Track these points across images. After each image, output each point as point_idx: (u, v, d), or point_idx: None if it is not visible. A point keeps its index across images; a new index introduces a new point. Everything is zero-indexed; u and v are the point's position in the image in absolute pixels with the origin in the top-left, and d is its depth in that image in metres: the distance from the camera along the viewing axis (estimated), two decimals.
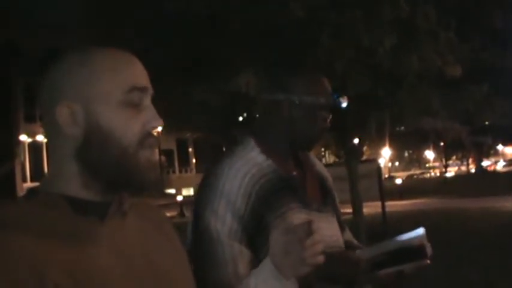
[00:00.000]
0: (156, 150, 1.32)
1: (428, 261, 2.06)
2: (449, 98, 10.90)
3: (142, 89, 1.29)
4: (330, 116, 2.20)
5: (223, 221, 1.94)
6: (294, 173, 2.17)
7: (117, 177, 1.27)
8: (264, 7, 8.08)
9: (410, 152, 72.90)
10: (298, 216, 2.03)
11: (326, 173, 2.39)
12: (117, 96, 1.26)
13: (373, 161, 17.23)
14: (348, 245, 2.30)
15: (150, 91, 1.32)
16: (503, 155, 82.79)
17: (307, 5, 7.82)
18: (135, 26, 9.82)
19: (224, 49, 9.17)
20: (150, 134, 1.29)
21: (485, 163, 68.48)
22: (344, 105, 2.22)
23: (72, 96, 1.26)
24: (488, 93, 11.34)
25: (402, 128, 20.98)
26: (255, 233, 1.96)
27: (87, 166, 1.27)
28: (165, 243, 1.43)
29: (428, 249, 2.07)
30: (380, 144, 44.73)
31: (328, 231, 2.19)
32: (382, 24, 8.17)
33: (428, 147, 62.52)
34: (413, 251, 2.04)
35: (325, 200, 2.28)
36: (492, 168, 66.57)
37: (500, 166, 69.75)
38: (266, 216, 1.99)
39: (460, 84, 10.39)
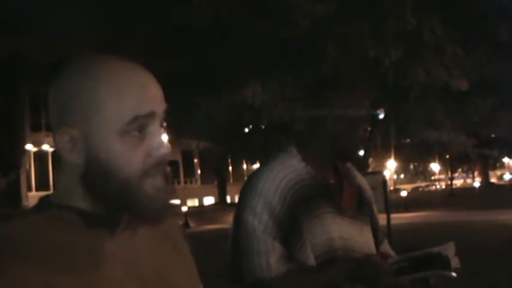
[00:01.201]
0: (162, 179, 1.25)
1: (454, 274, 2.08)
2: (455, 111, 10.89)
3: (148, 116, 1.20)
4: (369, 128, 2.28)
5: (260, 218, 2.10)
6: (332, 181, 2.26)
7: (120, 206, 1.22)
8: (271, 20, 8.08)
9: (416, 164, 72.65)
10: (332, 220, 2.17)
11: (366, 185, 2.46)
12: (118, 126, 1.18)
13: (379, 173, 17.20)
14: (383, 255, 2.34)
15: (159, 114, 1.23)
16: (509, 167, 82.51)
17: (313, 17, 7.81)
18: (143, 36, 9.84)
19: (231, 61, 9.18)
20: (155, 163, 1.23)
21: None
22: (381, 116, 2.30)
23: (72, 122, 1.19)
24: (494, 106, 11.32)
25: (408, 140, 20.97)
26: (289, 232, 2.11)
27: (90, 192, 1.22)
28: (177, 258, 1.41)
29: (454, 261, 2.09)
30: (385, 157, 44.72)
31: (360, 238, 2.28)
32: (389, 36, 8.17)
33: (433, 160, 62.36)
34: (433, 258, 2.07)
35: (360, 209, 2.35)
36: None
37: (507, 179, 69.55)
38: (300, 217, 2.12)
39: (465, 97, 10.39)
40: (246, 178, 2.33)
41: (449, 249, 2.11)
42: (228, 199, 48.12)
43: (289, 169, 2.19)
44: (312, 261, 2.13)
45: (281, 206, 2.11)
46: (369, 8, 8.16)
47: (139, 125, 1.19)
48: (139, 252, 1.28)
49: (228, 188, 48.89)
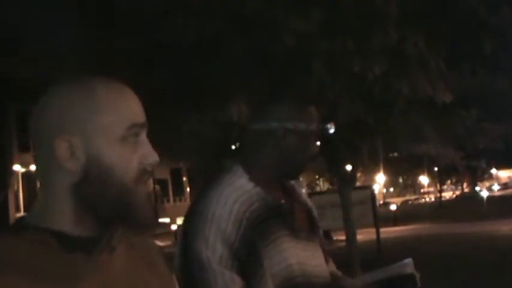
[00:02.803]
0: (150, 186, 1.32)
1: None
2: (441, 124, 10.95)
3: (141, 125, 1.28)
4: (318, 143, 2.23)
5: (214, 249, 1.93)
6: (283, 201, 2.17)
7: (114, 213, 1.25)
8: (255, 36, 8.11)
9: (405, 177, 72.90)
10: (288, 245, 2.06)
11: (310, 202, 2.39)
12: (119, 132, 1.24)
13: (368, 187, 17.25)
14: (333, 276, 2.29)
15: (146, 126, 1.31)
16: (497, 178, 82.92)
17: (298, 33, 7.85)
18: (127, 54, 9.84)
19: (215, 78, 9.20)
20: (146, 170, 1.28)
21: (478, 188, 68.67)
22: (332, 131, 2.25)
23: (72, 129, 1.23)
24: (480, 117, 11.40)
25: (396, 154, 21.05)
26: (246, 260, 1.96)
27: (83, 201, 1.24)
28: (154, 279, 1.41)
29: (418, 278, 2.09)
30: (374, 171, 44.84)
31: (315, 261, 2.20)
32: (372, 51, 8.22)
33: (422, 173, 62.59)
34: (405, 279, 2.05)
35: (312, 229, 2.28)
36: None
37: (495, 189, 69.91)
38: (257, 243, 1.98)
39: (451, 110, 10.45)
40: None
41: (410, 266, 2.11)
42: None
43: (239, 191, 2.06)
44: None
45: (236, 232, 1.96)
46: (352, 24, 8.19)
47: (135, 132, 1.27)
48: (116, 275, 1.28)
49: None
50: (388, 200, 66.68)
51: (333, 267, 2.40)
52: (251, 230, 1.98)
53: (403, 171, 57.30)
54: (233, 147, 14.63)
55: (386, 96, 9.00)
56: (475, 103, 11.20)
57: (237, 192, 2.05)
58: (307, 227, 2.24)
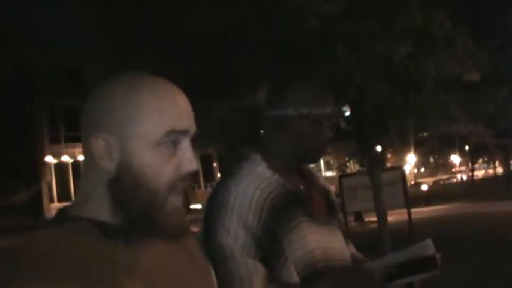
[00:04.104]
0: (182, 197, 1.31)
1: (438, 272, 2.08)
2: (469, 103, 10.84)
3: (182, 132, 1.28)
4: (335, 126, 2.26)
5: (236, 238, 1.93)
6: (301, 187, 2.19)
7: (142, 217, 1.26)
8: (280, 22, 8.10)
9: (436, 157, 72.05)
10: (309, 230, 2.07)
11: (328, 186, 2.42)
12: (154, 137, 1.24)
13: (398, 168, 17.12)
14: (353, 259, 2.32)
15: (192, 132, 1.31)
16: None
17: (322, 17, 7.82)
18: (154, 43, 9.89)
19: (242, 65, 9.20)
20: (182, 178, 1.28)
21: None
22: (347, 113, 2.32)
23: (110, 129, 1.25)
24: (510, 95, 11.25)
25: (426, 134, 20.85)
26: (268, 248, 1.96)
27: (116, 199, 1.27)
28: (193, 267, 1.44)
29: (438, 259, 2.09)
30: (405, 151, 44.46)
31: (336, 244, 2.22)
32: (397, 33, 8.15)
33: (454, 152, 61.86)
34: (425, 261, 2.06)
35: (330, 213, 2.30)
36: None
37: None
38: (278, 230, 1.99)
39: (479, 88, 10.33)
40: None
41: (429, 246, 2.11)
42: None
43: (258, 179, 2.07)
44: (296, 278, 1.99)
45: (257, 221, 1.97)
46: (376, 6, 8.13)
47: (173, 139, 1.26)
48: (157, 265, 1.30)
49: None
50: (419, 180, 66.19)
51: (353, 249, 2.42)
52: (272, 217, 1.99)
53: (434, 151, 56.68)
54: (262, 131, 14.59)
55: (413, 77, 8.91)
56: (504, 81, 11.02)
57: (257, 181, 2.06)
58: (326, 211, 2.27)
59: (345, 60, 8.41)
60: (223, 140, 16.94)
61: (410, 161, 51.48)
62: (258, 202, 1.99)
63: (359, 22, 8.08)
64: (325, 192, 2.35)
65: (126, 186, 1.25)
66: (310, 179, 2.30)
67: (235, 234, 1.93)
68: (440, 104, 9.72)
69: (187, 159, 1.27)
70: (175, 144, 1.27)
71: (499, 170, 65.00)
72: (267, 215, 1.98)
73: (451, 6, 8.49)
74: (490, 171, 72.34)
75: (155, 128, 1.24)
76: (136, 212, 1.25)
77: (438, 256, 2.08)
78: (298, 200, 2.11)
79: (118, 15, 10.05)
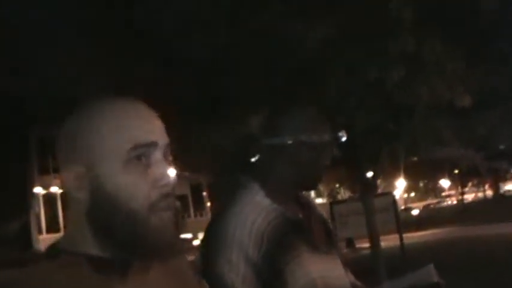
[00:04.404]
0: (173, 212, 1.26)
1: None
2: (461, 127, 10.87)
3: (149, 145, 1.22)
4: (332, 153, 2.22)
5: (237, 270, 1.91)
6: (300, 215, 2.16)
7: (127, 241, 1.21)
8: (272, 47, 8.12)
9: (426, 181, 72.27)
10: (310, 259, 2.05)
11: (325, 215, 2.40)
12: (119, 157, 1.20)
13: (389, 193, 17.11)
14: (353, 287, 2.28)
15: (162, 144, 1.25)
16: None
17: (314, 42, 7.85)
18: (147, 72, 9.86)
19: (235, 91, 9.19)
20: (164, 196, 1.23)
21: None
22: (344, 139, 2.24)
23: (77, 159, 1.22)
24: (501, 118, 11.30)
25: (416, 158, 20.89)
26: (269, 278, 1.94)
27: (98, 229, 1.23)
28: None
29: (443, 286, 2.06)
30: (394, 176, 44.55)
31: (336, 273, 2.19)
32: (390, 57, 8.19)
33: (443, 176, 62.10)
34: (430, 287, 2.02)
35: (329, 242, 2.26)
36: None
37: None
38: (279, 260, 1.96)
39: (471, 112, 10.35)
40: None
41: (433, 273, 2.07)
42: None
43: (257, 208, 2.03)
44: None
45: (258, 251, 1.94)
46: (368, 31, 8.17)
47: (140, 154, 1.21)
48: None
49: None
50: (409, 205, 66.20)
51: (352, 277, 2.38)
52: (272, 247, 1.96)
53: (423, 176, 56.88)
54: (252, 160, 14.58)
55: (405, 102, 8.93)
56: (495, 104, 11.07)
57: (256, 210, 2.02)
58: (325, 240, 2.23)
59: (337, 85, 8.43)
60: (214, 168, 16.90)
61: (400, 186, 51.55)
62: (258, 232, 1.97)
63: (352, 47, 8.11)
64: (323, 221, 2.33)
65: (103, 213, 1.21)
66: (308, 207, 2.27)
67: (236, 267, 1.91)
68: (432, 128, 9.75)
69: (160, 174, 1.22)
70: (144, 159, 1.22)
71: (489, 193, 65.27)
72: (267, 245, 1.96)
73: (442, 30, 8.52)
74: (480, 195, 72.54)
75: (118, 147, 1.20)
76: (120, 238, 1.21)
77: (443, 283, 2.05)
78: (299, 229, 2.08)
79: (108, 44, 10.04)
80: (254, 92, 9.16)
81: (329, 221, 2.39)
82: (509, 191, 67.86)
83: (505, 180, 69.95)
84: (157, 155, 1.23)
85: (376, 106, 9.00)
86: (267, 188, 2.11)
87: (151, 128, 1.24)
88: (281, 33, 7.98)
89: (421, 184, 75.46)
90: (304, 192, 2.36)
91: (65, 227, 1.26)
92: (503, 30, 9.08)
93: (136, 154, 1.20)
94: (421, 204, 69.83)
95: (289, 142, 2.11)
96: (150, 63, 9.49)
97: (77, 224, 1.25)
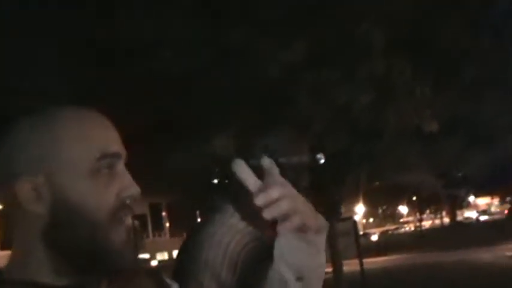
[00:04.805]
0: (130, 223, 1.17)
1: None
2: (427, 152, 10.92)
3: (114, 155, 1.14)
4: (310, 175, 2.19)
5: None
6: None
7: (90, 257, 1.11)
8: (241, 68, 8.04)
9: (384, 207, 72.99)
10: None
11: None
12: (86, 165, 1.10)
13: (350, 219, 17.15)
14: None
15: (124, 156, 1.18)
16: (475, 206, 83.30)
17: (283, 65, 7.79)
18: (107, 88, 9.68)
19: (199, 111, 9.07)
20: (125, 205, 1.14)
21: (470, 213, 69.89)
22: (322, 161, 2.22)
23: (34, 168, 1.09)
24: (465, 145, 11.41)
25: (377, 183, 21.03)
26: None
27: (56, 248, 1.10)
28: None
29: None
30: (354, 201, 44.83)
31: None
32: (358, 81, 8.19)
33: (402, 202, 62.78)
34: None
35: None
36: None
37: (473, 217, 70.48)
38: (254, 285, 1.82)
39: (437, 137, 10.43)
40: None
41: None
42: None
43: (232, 231, 1.92)
44: None
45: (232, 275, 1.85)
46: (338, 54, 8.16)
47: (108, 164, 1.12)
48: None
49: None
50: (367, 230, 66.69)
51: None
52: (247, 272, 1.87)
53: (382, 201, 57.44)
54: (215, 181, 14.48)
55: (373, 126, 8.93)
56: (461, 131, 11.19)
57: (230, 233, 1.92)
58: None
59: (305, 109, 8.37)
60: (175, 188, 16.75)
61: (359, 211, 51.89)
62: (233, 255, 1.87)
63: (320, 70, 8.08)
64: None
65: (64, 225, 1.09)
66: None
67: None
68: (399, 153, 9.77)
69: (127, 183, 1.14)
70: (110, 170, 1.13)
71: (446, 220, 66.17)
72: (242, 270, 1.86)
73: (411, 55, 8.57)
74: (437, 222, 73.47)
75: (85, 156, 1.10)
76: (81, 251, 1.09)
77: None
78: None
79: (74, 61, 9.85)
80: (219, 113, 9.05)
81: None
82: (468, 218, 69.01)
83: (461, 207, 71.10)
84: (121, 165, 1.16)
85: (343, 130, 8.98)
86: (243, 211, 1.99)
87: (116, 138, 1.17)
88: (251, 54, 7.90)
89: (380, 210, 76.16)
90: None
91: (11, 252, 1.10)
92: (473, 57, 9.13)
93: (102, 164, 1.11)
94: (380, 230, 70.41)
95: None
96: (111, 81, 9.32)
97: (27, 246, 1.11)
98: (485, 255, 22.44)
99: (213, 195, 2.19)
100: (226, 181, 2.21)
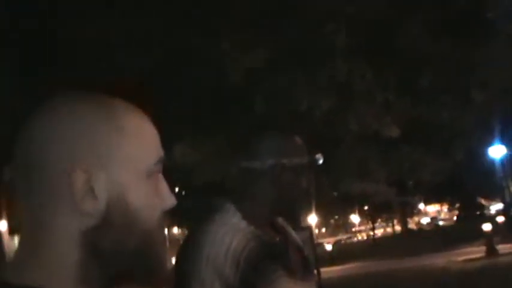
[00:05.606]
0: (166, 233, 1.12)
1: None
2: (382, 160, 10.95)
3: (163, 160, 1.04)
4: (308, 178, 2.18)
5: None
6: (277, 239, 2.12)
7: (130, 266, 0.98)
8: (200, 72, 7.90)
9: (337, 217, 73.70)
10: (287, 285, 2.01)
11: (301, 241, 2.33)
12: (145, 167, 0.98)
13: (307, 228, 17.17)
14: None
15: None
16: (425, 213, 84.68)
17: (244, 68, 7.68)
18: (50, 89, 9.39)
19: (157, 118, 8.87)
20: (164, 214, 1.05)
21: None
22: (321, 161, 2.21)
23: (91, 160, 0.94)
24: (420, 151, 11.51)
25: (335, 193, 21.24)
26: None
27: (94, 253, 0.95)
28: None
29: None
30: (307, 212, 45.10)
31: None
32: (320, 86, 8.14)
33: (353, 212, 63.51)
34: None
35: (306, 268, 2.21)
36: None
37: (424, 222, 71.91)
38: (256, 283, 1.92)
39: (393, 145, 10.47)
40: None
41: None
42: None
43: (234, 230, 1.99)
44: None
45: (234, 273, 1.89)
46: (299, 58, 8.09)
47: (159, 168, 1.02)
48: None
49: None
50: (321, 240, 67.21)
51: None
52: (250, 270, 1.91)
53: (334, 211, 57.97)
54: (176, 190, 14.31)
55: (333, 133, 8.90)
56: (419, 137, 11.29)
57: (232, 232, 1.97)
58: (301, 266, 2.19)
59: (264, 113, 8.29)
60: None
61: (312, 221, 52.25)
62: (235, 254, 1.92)
63: (281, 75, 8.00)
64: (298, 247, 2.27)
65: (116, 231, 0.95)
66: (284, 232, 2.22)
67: (210, 286, 1.88)
68: (359, 159, 9.77)
69: (169, 191, 1.05)
70: (158, 175, 1.03)
71: (397, 228, 67.01)
72: (245, 267, 1.91)
73: (371, 60, 8.57)
74: (389, 230, 74.42)
75: (146, 156, 0.99)
76: (123, 261, 0.97)
77: None
78: (276, 253, 2.05)
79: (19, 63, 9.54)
80: (177, 122, 8.88)
81: (304, 247, 2.32)
82: (424, 225, 70.32)
83: (412, 215, 72.31)
84: (160, 172, 1.06)
85: (303, 136, 8.89)
86: (244, 211, 2.07)
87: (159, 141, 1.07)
88: (211, 59, 7.77)
89: (332, 220, 76.91)
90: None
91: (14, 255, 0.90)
92: (434, 63, 9.18)
93: (156, 168, 1.02)
94: (333, 239, 71.03)
95: (272, 166, 2.08)
96: (54, 82, 9.06)
97: (56, 246, 0.94)
98: (438, 260, 22.84)
99: (212, 196, 2.13)
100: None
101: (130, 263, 0.98)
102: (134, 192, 0.97)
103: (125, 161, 0.97)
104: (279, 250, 2.08)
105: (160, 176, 1.04)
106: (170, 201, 1.04)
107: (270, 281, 1.96)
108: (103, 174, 0.94)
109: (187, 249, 1.98)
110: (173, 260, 1.98)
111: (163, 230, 1.07)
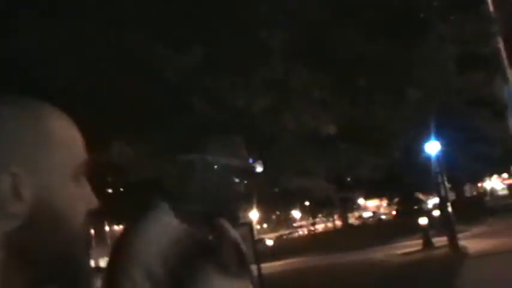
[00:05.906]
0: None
1: None
2: (322, 157, 11.06)
3: (87, 163, 1.05)
4: (245, 181, 2.18)
5: (140, 287, 1.90)
6: (210, 237, 2.16)
7: (56, 265, 0.99)
8: (135, 72, 7.81)
9: (278, 213, 74.01)
10: (217, 282, 2.05)
11: (240, 239, 2.35)
12: (70, 170, 1.00)
13: (246, 224, 17.20)
14: None
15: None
16: (365, 208, 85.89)
17: (180, 69, 7.64)
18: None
19: (93, 118, 8.75)
20: (90, 216, 1.05)
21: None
22: (259, 170, 2.27)
23: (19, 164, 0.95)
24: (358, 149, 11.67)
25: (276, 190, 21.33)
26: None
27: (17, 255, 0.95)
28: None
29: None
30: (248, 207, 45.15)
31: None
32: (257, 85, 8.16)
33: (294, 207, 63.87)
34: None
35: (241, 265, 2.25)
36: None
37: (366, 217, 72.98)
38: (185, 280, 1.96)
39: (332, 142, 10.59)
40: (108, 241, 2.09)
41: None
42: (92, 263, 47.00)
43: (165, 228, 2.03)
44: None
45: (163, 270, 1.93)
46: (236, 59, 8.10)
47: (83, 171, 1.04)
48: None
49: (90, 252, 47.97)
50: (262, 236, 67.36)
51: None
52: (179, 266, 1.95)
53: (276, 207, 58.25)
54: (110, 191, 14.16)
55: (270, 130, 8.95)
56: (357, 136, 11.47)
57: (163, 230, 2.01)
58: (236, 263, 2.22)
59: (201, 114, 8.26)
60: None
61: (253, 217, 52.35)
62: (165, 250, 1.95)
63: (218, 75, 7.99)
64: (236, 244, 2.30)
65: (40, 232, 0.96)
66: (221, 230, 2.25)
67: (140, 285, 1.89)
68: (296, 158, 9.84)
69: (91, 193, 1.05)
70: (83, 177, 1.04)
71: (338, 223, 67.79)
72: (174, 264, 1.95)
73: (309, 59, 8.64)
74: (330, 225, 75.17)
75: (71, 159, 1.00)
76: (47, 262, 0.97)
77: None
78: (207, 251, 2.09)
79: None
80: (114, 120, 8.78)
81: (243, 245, 2.36)
82: (364, 218, 71.36)
83: (352, 210, 73.29)
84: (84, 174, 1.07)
85: (241, 133, 8.91)
86: (176, 208, 2.10)
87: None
88: (145, 59, 7.70)
89: (274, 216, 77.14)
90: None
91: None
92: (369, 63, 9.33)
93: (81, 170, 1.02)
94: (274, 235, 71.28)
95: (195, 160, 2.12)
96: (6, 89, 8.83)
97: None
98: (377, 254, 23.27)
99: (152, 194, 2.16)
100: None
101: (54, 266, 0.98)
102: (60, 194, 0.98)
103: (50, 164, 0.98)
104: (211, 248, 2.11)
105: (84, 178, 1.05)
106: (93, 203, 1.05)
107: (198, 277, 1.99)
108: (29, 177, 0.95)
109: (119, 247, 1.99)
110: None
111: (89, 232, 1.09)
